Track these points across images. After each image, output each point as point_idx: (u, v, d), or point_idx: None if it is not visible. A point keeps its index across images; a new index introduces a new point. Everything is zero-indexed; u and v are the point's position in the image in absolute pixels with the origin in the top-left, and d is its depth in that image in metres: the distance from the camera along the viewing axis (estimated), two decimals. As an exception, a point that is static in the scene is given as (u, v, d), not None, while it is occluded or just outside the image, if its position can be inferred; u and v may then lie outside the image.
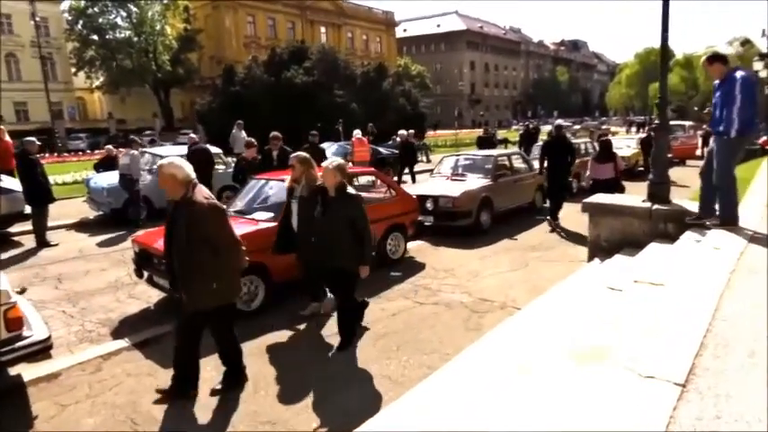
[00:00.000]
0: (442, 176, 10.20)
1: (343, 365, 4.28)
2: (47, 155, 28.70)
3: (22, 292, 4.48)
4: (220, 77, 29.62)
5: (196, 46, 48.87)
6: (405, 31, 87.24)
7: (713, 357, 2.51)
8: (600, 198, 6.88)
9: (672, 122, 26.77)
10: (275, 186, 6.41)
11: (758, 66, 20.28)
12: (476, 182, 9.48)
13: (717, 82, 5.05)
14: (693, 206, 6.40)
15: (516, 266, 7.15)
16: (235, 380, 3.89)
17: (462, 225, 8.87)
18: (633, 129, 41.50)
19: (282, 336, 4.92)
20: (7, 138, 10.73)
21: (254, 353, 4.45)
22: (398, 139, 23.51)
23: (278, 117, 24.75)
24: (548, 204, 9.99)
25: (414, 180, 14.59)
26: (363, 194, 8.13)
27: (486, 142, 17.49)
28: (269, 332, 4.93)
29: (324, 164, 4.44)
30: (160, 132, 43.01)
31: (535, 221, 10.07)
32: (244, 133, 16.44)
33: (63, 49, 44.64)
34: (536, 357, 3.16)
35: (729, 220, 5.03)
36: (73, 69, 44.80)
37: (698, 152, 20.28)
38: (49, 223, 9.94)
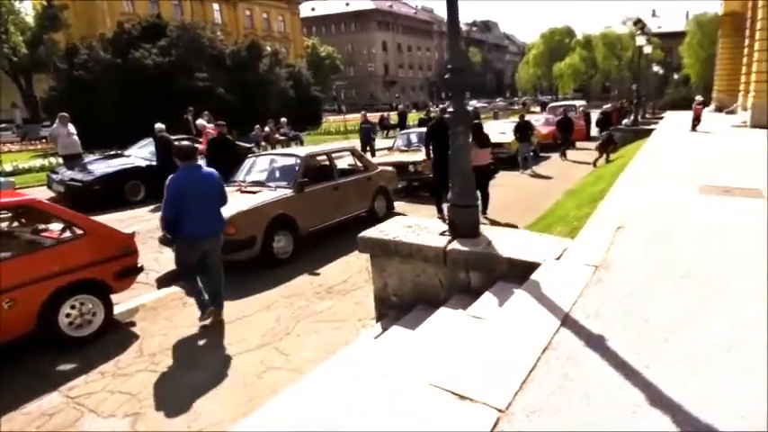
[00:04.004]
0: (232, 187, 7.49)
1: None
2: None
3: None
4: (61, 59, 25.11)
5: (61, 25, 42.53)
6: (312, 9, 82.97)
7: None
8: (382, 231, 4.45)
9: (565, 102, 25.99)
10: None
11: (641, 40, 19.07)
12: (268, 195, 6.89)
13: None
14: (518, 243, 4.14)
15: (273, 337, 4.64)
16: None
17: (243, 258, 6.28)
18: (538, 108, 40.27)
19: None
20: None
21: None
22: (263, 131, 20.10)
23: (127, 105, 21.04)
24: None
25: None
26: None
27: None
28: None
29: None
30: (19, 125, 37.10)
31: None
32: (71, 128, 12.85)
33: None
34: None
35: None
36: None
37: (591, 133, 19.25)
38: None
